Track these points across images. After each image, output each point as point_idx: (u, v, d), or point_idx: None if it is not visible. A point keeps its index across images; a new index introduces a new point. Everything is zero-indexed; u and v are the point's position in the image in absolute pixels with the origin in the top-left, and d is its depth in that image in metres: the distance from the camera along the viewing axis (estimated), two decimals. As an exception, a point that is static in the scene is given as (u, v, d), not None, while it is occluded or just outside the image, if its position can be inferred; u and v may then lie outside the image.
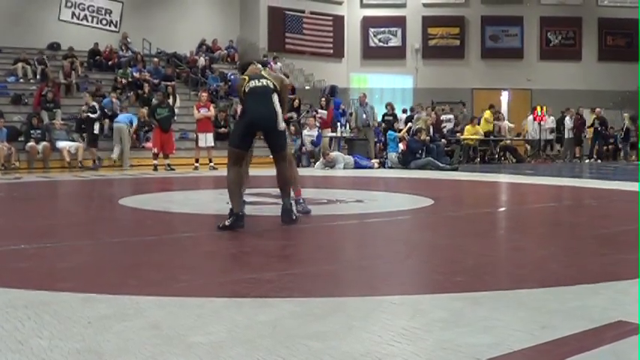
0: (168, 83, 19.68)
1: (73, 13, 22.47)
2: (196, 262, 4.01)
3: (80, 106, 17.31)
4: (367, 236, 5.29)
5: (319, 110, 17.39)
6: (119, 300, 2.79)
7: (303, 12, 25.22)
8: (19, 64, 19.09)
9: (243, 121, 5.48)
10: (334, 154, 15.89)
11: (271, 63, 6.21)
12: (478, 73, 26.34)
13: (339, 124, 18.02)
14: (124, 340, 2.25)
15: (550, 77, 25.61)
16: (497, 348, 2.16)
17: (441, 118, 19.61)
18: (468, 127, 19.28)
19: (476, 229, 5.61)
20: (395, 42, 26.75)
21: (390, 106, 18.95)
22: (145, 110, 16.62)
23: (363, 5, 26.59)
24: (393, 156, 16.14)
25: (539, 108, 21.36)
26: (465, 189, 10.69)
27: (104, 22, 23.01)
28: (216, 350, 2.14)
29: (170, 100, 17.36)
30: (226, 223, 5.02)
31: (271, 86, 5.37)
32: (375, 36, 26.72)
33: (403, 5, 26.61)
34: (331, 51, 25.95)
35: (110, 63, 20.89)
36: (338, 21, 26.12)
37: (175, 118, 16.41)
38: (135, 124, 16.36)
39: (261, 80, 5.39)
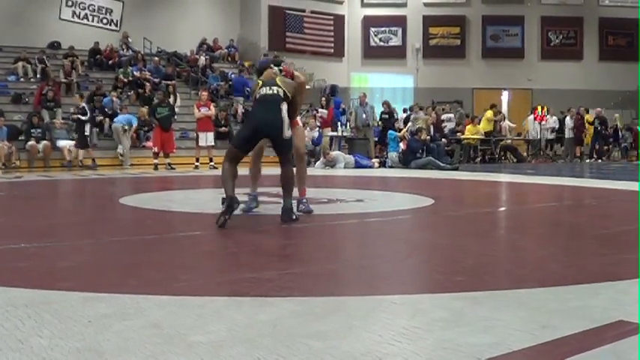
0: (169, 82, 19.71)
1: (74, 12, 22.49)
2: (196, 262, 4.01)
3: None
4: (367, 236, 5.28)
5: (320, 110, 17.39)
6: (119, 299, 2.79)
7: (304, 11, 25.22)
8: (20, 63, 19.10)
9: (249, 126, 5.63)
10: (335, 153, 15.90)
11: (285, 61, 6.26)
12: (479, 72, 26.35)
13: (339, 123, 18.02)
14: (124, 339, 2.25)
15: (551, 77, 25.62)
16: (498, 348, 2.16)
17: (442, 117, 19.61)
18: (468, 127, 19.28)
19: (476, 228, 5.60)
20: (395, 41, 26.76)
21: (386, 104, 18.97)
22: (145, 109, 16.63)
23: (363, 5, 26.60)
24: (393, 155, 16.14)
25: (539, 108, 21.37)
26: (465, 189, 10.69)
27: (105, 21, 23.03)
28: (217, 349, 2.14)
29: (171, 100, 17.38)
30: (222, 208, 5.11)
31: (281, 94, 5.47)
32: (375, 35, 26.73)
33: (404, 5, 26.62)
34: (332, 50, 25.95)
35: (111, 62, 20.91)
36: (338, 20, 26.12)
37: (176, 117, 16.43)
38: (134, 124, 16.33)
39: (272, 88, 5.51)
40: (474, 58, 26.83)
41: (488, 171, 14.58)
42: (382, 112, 18.68)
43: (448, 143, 18.14)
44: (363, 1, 26.56)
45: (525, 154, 20.77)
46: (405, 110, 20.28)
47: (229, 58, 23.93)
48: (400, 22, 26.67)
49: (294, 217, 5.43)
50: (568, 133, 20.99)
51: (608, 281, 3.18)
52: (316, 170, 14.63)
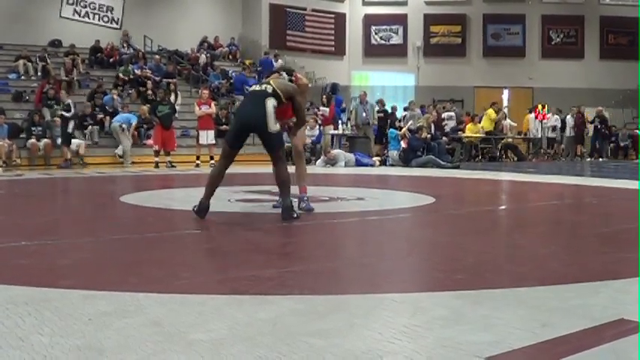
0: (170, 80, 19.70)
1: (75, 10, 22.49)
2: (197, 260, 4.02)
3: (82, 103, 17.34)
4: (368, 234, 5.29)
5: (321, 108, 17.40)
6: (120, 297, 2.79)
7: (305, 9, 25.21)
8: (21, 61, 19.08)
9: (235, 122, 5.79)
10: (335, 151, 15.89)
11: (296, 74, 6.24)
12: (480, 71, 26.34)
13: (340, 121, 18.02)
14: (124, 336, 2.25)
15: (552, 75, 25.60)
16: (498, 346, 2.16)
17: (443, 116, 19.59)
18: (469, 126, 19.28)
19: (477, 227, 5.61)
20: (396, 40, 26.76)
21: (380, 102, 18.99)
22: (146, 107, 16.62)
23: (364, 3, 26.59)
24: (394, 154, 16.13)
25: (540, 106, 21.36)
26: (466, 187, 10.69)
27: (105, 19, 23.02)
28: (217, 347, 2.14)
29: (172, 98, 17.38)
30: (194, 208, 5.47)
31: (269, 91, 5.51)
32: (376, 34, 26.72)
33: (405, 3, 26.60)
34: (333, 49, 25.95)
35: (111, 60, 20.89)
36: (339, 19, 26.12)
37: (176, 115, 16.43)
38: (134, 122, 16.28)
39: (262, 85, 5.63)
40: (474, 57, 26.82)
41: (489, 169, 14.58)
42: (377, 111, 18.69)
43: (449, 142, 18.13)
44: (364, 0, 26.55)
45: (526, 152, 20.77)
46: (405, 109, 20.25)
47: (230, 57, 23.92)
48: (401, 20, 26.66)
49: (294, 215, 5.43)
50: (569, 132, 20.99)
51: (608, 280, 3.18)
52: (317, 168, 14.63)
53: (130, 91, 19.11)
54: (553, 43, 27.06)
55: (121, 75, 19.55)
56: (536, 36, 26.98)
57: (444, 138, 17.68)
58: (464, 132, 19.16)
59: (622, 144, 22.15)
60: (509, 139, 20.28)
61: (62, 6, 22.21)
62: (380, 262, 3.84)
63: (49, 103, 16.64)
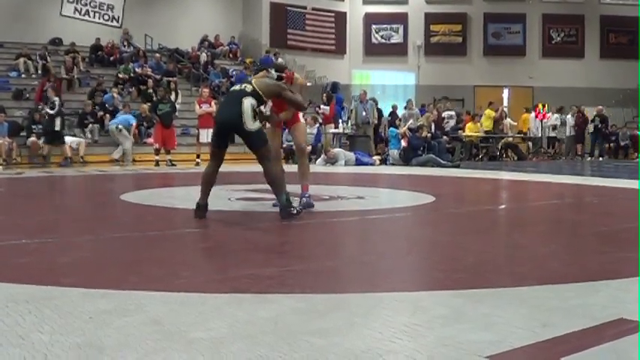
0: (170, 79, 19.70)
1: (75, 9, 22.49)
2: (197, 258, 4.02)
3: (82, 101, 17.35)
4: (368, 233, 5.28)
5: (322, 106, 17.40)
6: (120, 295, 2.79)
7: (305, 8, 25.21)
8: (21, 59, 19.09)
9: (215, 123, 5.80)
10: (335, 150, 15.89)
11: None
12: (480, 70, 26.34)
13: (340, 120, 18.01)
14: (124, 335, 2.25)
15: (552, 75, 25.61)
16: (499, 345, 2.16)
17: (443, 115, 19.58)
18: (469, 125, 19.28)
19: (477, 226, 5.61)
20: (397, 39, 26.76)
21: (373, 100, 19.01)
22: (146, 106, 16.62)
23: (365, 2, 26.59)
24: (394, 153, 16.13)
25: (540, 105, 21.35)
26: (466, 186, 10.69)
27: (106, 17, 23.02)
28: (217, 346, 2.14)
29: (172, 96, 17.37)
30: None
31: (248, 90, 5.51)
32: (377, 32, 26.72)
33: (405, 2, 26.61)
34: (333, 47, 25.95)
35: (112, 58, 20.91)
36: (340, 17, 26.12)
37: (177, 113, 16.42)
38: (134, 123, 16.24)
39: (242, 85, 5.66)
40: (475, 56, 26.82)
41: (489, 169, 14.58)
42: None
43: (449, 141, 18.13)
44: (364, -1, 26.60)
45: (526, 151, 20.77)
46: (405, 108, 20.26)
47: (231, 55, 23.92)
48: (402, 19, 26.65)
49: (294, 212, 5.42)
50: (569, 131, 20.98)
51: (608, 279, 3.18)
52: (317, 167, 14.62)
53: (131, 90, 19.11)
54: (553, 42, 27.06)
55: (120, 75, 19.52)
56: (536, 35, 26.98)
57: (445, 137, 17.67)
58: (464, 131, 19.16)
59: (622, 143, 22.15)
60: (510, 139, 20.28)
61: (63, 4, 22.21)
62: (380, 261, 3.84)
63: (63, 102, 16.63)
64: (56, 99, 15.19)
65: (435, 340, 2.23)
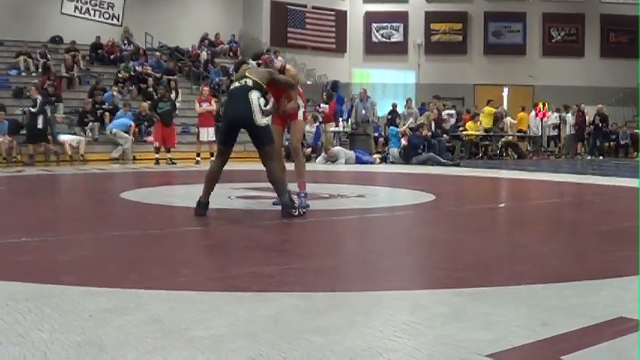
0: (171, 77, 19.69)
1: (76, 7, 22.49)
2: (197, 257, 4.02)
3: (82, 99, 17.35)
4: (368, 231, 5.29)
5: (321, 105, 17.40)
6: (120, 293, 2.79)
7: (306, 6, 25.20)
8: (21, 58, 19.09)
9: (223, 121, 5.82)
10: (336, 149, 15.89)
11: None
12: (480, 69, 26.34)
13: (340, 119, 18.01)
14: (124, 333, 2.25)
15: (552, 73, 25.61)
16: (499, 344, 2.16)
17: (443, 114, 19.57)
18: (469, 124, 19.28)
19: (477, 224, 5.61)
20: (397, 37, 26.75)
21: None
22: (146, 104, 16.62)
23: (365, 0, 26.57)
24: (394, 151, 16.13)
25: (541, 104, 21.33)
26: (466, 185, 10.69)
27: (106, 15, 23.01)
28: (217, 344, 2.14)
29: (172, 95, 17.36)
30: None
31: (250, 84, 5.56)
32: (377, 31, 26.72)
33: (405, 0, 26.61)
34: (334, 46, 25.95)
35: (112, 57, 20.90)
36: (340, 16, 26.11)
37: (177, 112, 16.42)
38: (132, 125, 16.22)
39: (241, 81, 5.64)
40: (475, 55, 26.82)
41: (490, 167, 14.57)
42: None
43: (449, 139, 18.12)
44: (364, -3, 26.59)
45: (527, 150, 20.76)
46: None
47: (231, 53, 23.91)
48: (402, 17, 26.65)
49: (295, 212, 5.42)
50: (569, 130, 20.98)
51: (608, 278, 3.18)
52: (317, 165, 14.62)
53: (131, 88, 19.11)
54: (554, 41, 27.05)
55: (120, 74, 19.51)
56: (536, 34, 26.98)
57: (445, 135, 17.67)
58: (464, 129, 19.15)
59: (622, 142, 22.16)
60: (510, 137, 20.28)
61: (63, 2, 22.20)
62: (380, 260, 3.84)
63: (50, 99, 16.63)
64: (38, 97, 15.15)
65: (435, 339, 2.23)
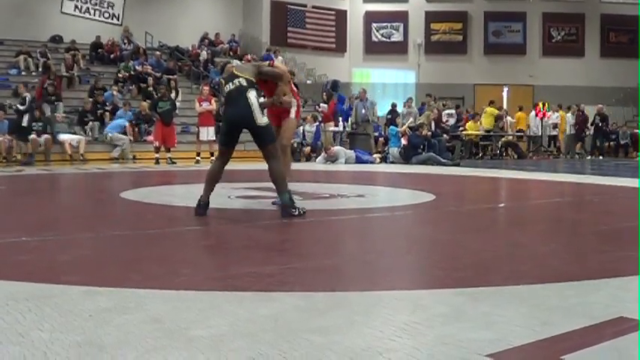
0: (171, 77, 19.69)
1: (76, 6, 22.48)
2: (198, 256, 4.02)
3: (82, 99, 17.34)
4: (368, 231, 5.29)
5: (321, 104, 17.39)
6: (120, 293, 2.79)
7: (306, 6, 25.19)
8: (21, 57, 19.09)
9: (224, 122, 5.81)
10: (336, 148, 15.89)
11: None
12: (480, 68, 26.34)
13: (340, 119, 18.01)
14: (124, 333, 2.25)
15: (552, 73, 25.60)
16: (499, 343, 2.16)
17: (443, 113, 19.58)
18: (469, 124, 19.28)
19: (477, 224, 5.61)
20: (397, 37, 26.75)
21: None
22: (146, 104, 16.62)
23: (365, 0, 26.55)
24: (394, 151, 16.13)
25: (541, 104, 21.33)
26: (466, 184, 10.69)
27: (106, 15, 23.01)
28: (217, 344, 2.14)
29: (172, 94, 17.36)
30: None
31: (244, 83, 5.57)
32: (377, 31, 26.71)
33: (405, 0, 26.58)
34: (334, 45, 25.94)
35: (112, 56, 20.91)
36: (340, 15, 26.10)
37: (177, 111, 16.42)
38: (127, 124, 16.22)
39: (234, 82, 5.63)
40: (475, 54, 26.81)
41: (490, 167, 14.57)
42: None
43: (449, 139, 18.13)
44: (364, -3, 26.58)
45: (527, 150, 20.76)
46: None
47: (231, 53, 23.89)
48: (402, 17, 26.64)
49: (295, 212, 5.42)
50: (569, 130, 20.98)
51: (608, 278, 3.18)
52: (317, 165, 14.62)
53: (131, 88, 19.11)
54: (554, 40, 27.05)
55: (120, 73, 19.50)
56: (536, 34, 26.97)
57: (445, 135, 17.67)
58: (464, 129, 19.15)
59: (622, 142, 22.16)
60: (510, 137, 20.28)
61: (63, 2, 22.20)
62: (380, 260, 3.84)
63: (50, 98, 16.64)
64: (27, 94, 15.10)
65: (435, 339, 2.23)
